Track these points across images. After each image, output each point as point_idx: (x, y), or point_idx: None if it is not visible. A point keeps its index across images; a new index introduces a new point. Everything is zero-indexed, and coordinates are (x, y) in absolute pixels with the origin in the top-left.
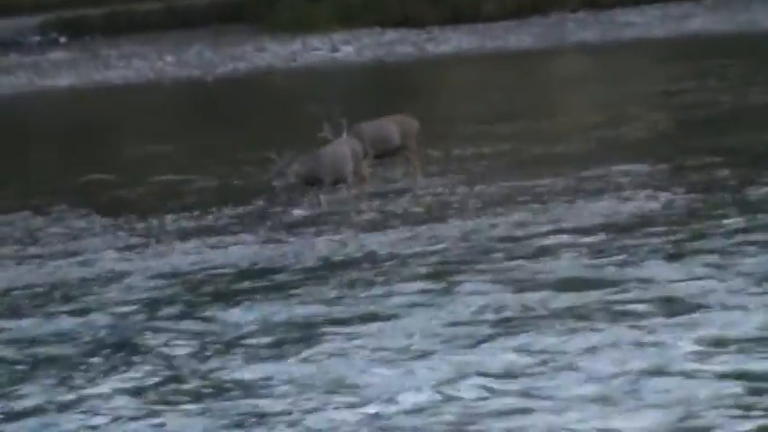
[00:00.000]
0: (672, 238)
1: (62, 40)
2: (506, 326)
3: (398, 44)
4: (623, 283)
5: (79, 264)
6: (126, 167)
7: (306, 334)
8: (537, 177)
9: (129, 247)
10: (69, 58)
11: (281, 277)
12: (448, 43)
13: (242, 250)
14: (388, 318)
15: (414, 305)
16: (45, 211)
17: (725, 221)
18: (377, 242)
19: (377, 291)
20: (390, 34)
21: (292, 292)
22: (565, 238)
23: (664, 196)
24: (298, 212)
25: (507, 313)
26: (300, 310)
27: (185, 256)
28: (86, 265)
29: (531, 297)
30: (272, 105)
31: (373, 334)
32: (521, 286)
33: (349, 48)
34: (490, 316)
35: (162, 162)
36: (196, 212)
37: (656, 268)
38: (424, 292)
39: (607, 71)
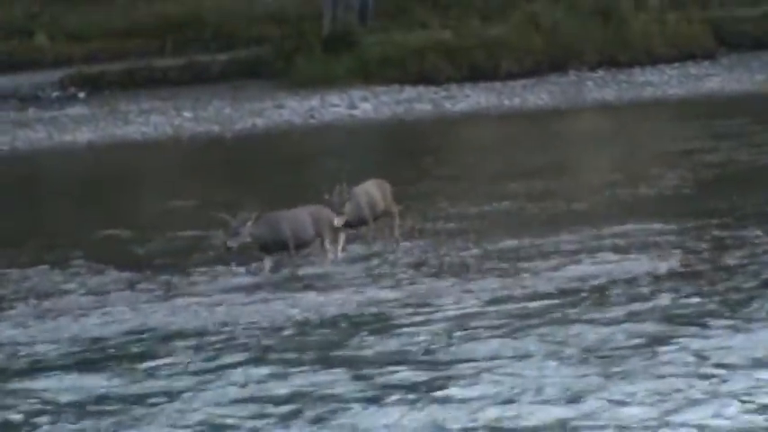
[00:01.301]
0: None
1: (81, 95)
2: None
3: (416, 101)
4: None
5: (98, 320)
6: (143, 223)
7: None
8: (542, 236)
9: (146, 302)
10: (88, 113)
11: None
12: (466, 101)
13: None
14: None
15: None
16: (63, 266)
17: (728, 288)
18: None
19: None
20: (408, 91)
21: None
22: (533, 304)
23: (669, 257)
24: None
25: None
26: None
27: (196, 312)
28: (105, 322)
29: None
30: (289, 162)
31: None
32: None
33: (367, 105)
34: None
35: (179, 218)
36: (217, 269)
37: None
38: None
39: (625, 130)
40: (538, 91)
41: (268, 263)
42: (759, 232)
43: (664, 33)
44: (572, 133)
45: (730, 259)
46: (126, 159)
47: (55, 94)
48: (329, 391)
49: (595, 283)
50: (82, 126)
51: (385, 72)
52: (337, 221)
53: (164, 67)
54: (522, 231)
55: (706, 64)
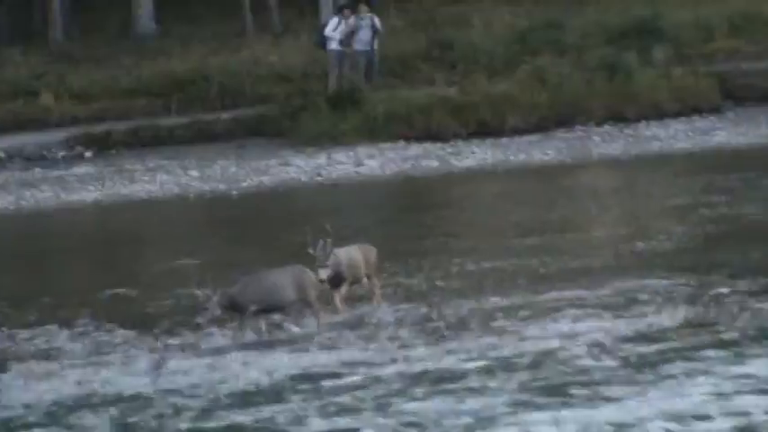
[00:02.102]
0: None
1: (87, 154)
2: None
3: (423, 158)
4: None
5: (102, 380)
6: (150, 282)
7: None
8: (543, 292)
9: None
10: (94, 172)
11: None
12: (472, 157)
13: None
14: None
15: None
16: (70, 325)
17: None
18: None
19: None
20: (415, 148)
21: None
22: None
23: (672, 312)
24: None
25: None
26: None
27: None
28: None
29: None
30: (296, 220)
31: None
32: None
33: (373, 162)
34: None
35: (186, 277)
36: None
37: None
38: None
39: (632, 185)
40: (544, 146)
41: (244, 323)
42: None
43: (670, 87)
44: (578, 188)
45: (732, 313)
46: (132, 218)
47: (61, 153)
48: None
49: (583, 339)
50: (88, 185)
51: (391, 129)
52: (321, 274)
53: (169, 126)
54: (523, 288)
55: (712, 118)
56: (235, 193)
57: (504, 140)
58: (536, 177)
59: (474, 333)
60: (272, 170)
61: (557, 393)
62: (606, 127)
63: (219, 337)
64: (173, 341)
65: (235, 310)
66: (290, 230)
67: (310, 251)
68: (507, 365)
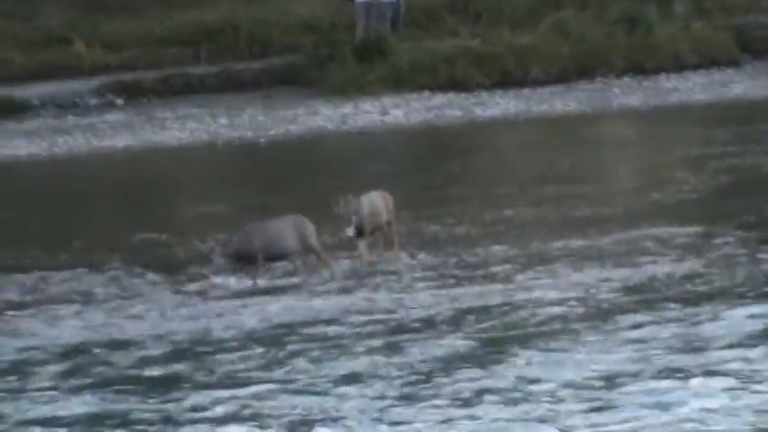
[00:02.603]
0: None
1: (119, 102)
2: None
3: (447, 108)
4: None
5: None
6: (179, 227)
7: None
8: (554, 240)
9: (176, 307)
10: (125, 120)
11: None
12: (495, 107)
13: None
14: None
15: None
16: (101, 269)
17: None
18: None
19: None
20: (439, 98)
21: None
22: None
23: (684, 263)
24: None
25: None
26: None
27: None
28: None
29: None
30: (323, 167)
31: None
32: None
33: (398, 111)
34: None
35: (214, 222)
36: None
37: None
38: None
39: (651, 136)
40: (565, 97)
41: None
42: None
43: (689, 41)
44: (598, 138)
45: (731, 264)
46: (162, 164)
47: (93, 101)
48: None
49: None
50: (119, 132)
51: (416, 79)
52: (348, 231)
53: (199, 75)
54: (535, 236)
55: (730, 71)
56: (263, 140)
57: (527, 91)
58: (557, 127)
59: (476, 281)
60: (300, 119)
61: (524, 338)
62: (626, 79)
63: (233, 284)
64: (193, 287)
65: (239, 260)
66: (316, 177)
67: (336, 210)
68: (489, 311)
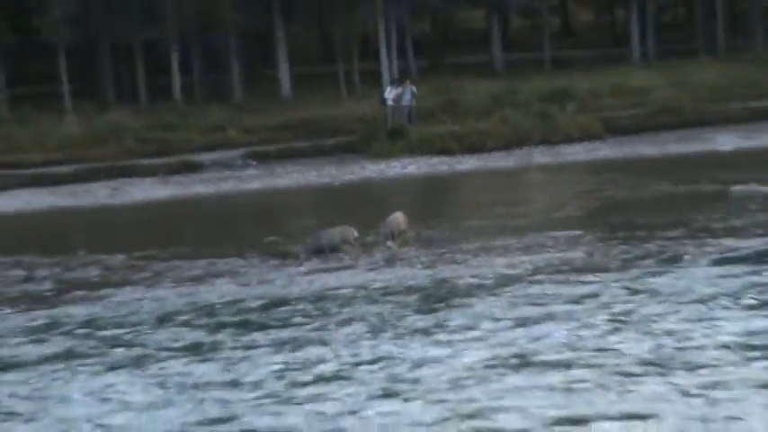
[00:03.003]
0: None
1: (253, 163)
2: None
3: (439, 165)
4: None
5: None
6: (289, 233)
7: None
8: (496, 239)
9: (289, 276)
10: (257, 173)
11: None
12: (466, 164)
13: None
14: None
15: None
16: (244, 256)
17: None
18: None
19: None
20: (435, 159)
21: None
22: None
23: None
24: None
25: None
26: None
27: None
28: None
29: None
30: (369, 199)
31: None
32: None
33: (412, 167)
34: None
35: (309, 230)
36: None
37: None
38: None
39: (555, 180)
40: (506, 159)
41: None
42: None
43: (576, 125)
44: (525, 181)
45: (607, 253)
46: (279, 199)
47: (239, 163)
48: None
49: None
50: (254, 180)
51: (422, 149)
52: (389, 244)
53: (300, 147)
54: (487, 237)
55: (599, 143)
56: (337, 184)
57: (485, 155)
58: (501, 176)
59: (450, 266)
60: (357, 171)
61: (483, 289)
62: (541, 147)
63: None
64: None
65: (314, 251)
66: (367, 204)
67: (380, 238)
68: (445, 282)
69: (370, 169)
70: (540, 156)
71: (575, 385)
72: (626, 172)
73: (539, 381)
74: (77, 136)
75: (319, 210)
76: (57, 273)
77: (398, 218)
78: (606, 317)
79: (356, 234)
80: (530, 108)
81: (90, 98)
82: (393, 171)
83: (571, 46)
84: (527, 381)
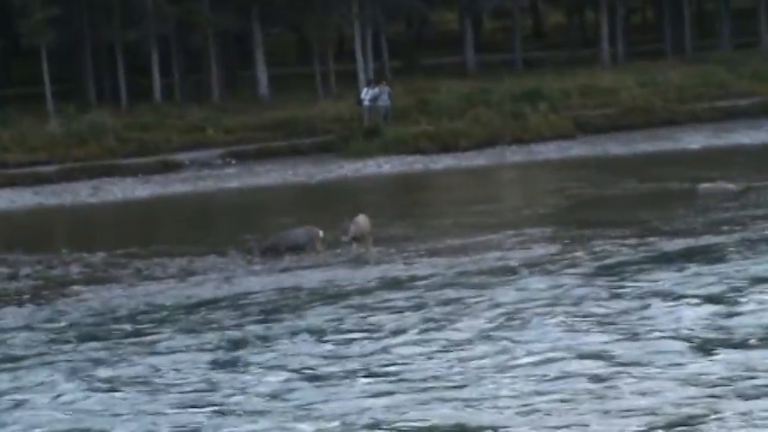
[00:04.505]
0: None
1: (233, 162)
2: None
3: (414, 164)
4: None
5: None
6: (267, 229)
7: None
8: (468, 237)
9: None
10: (236, 172)
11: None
12: (440, 163)
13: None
14: None
15: None
16: (222, 254)
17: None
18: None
19: None
20: (410, 158)
21: None
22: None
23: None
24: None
25: None
26: None
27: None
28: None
29: None
30: (344, 197)
31: None
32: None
33: (387, 165)
34: None
35: (286, 227)
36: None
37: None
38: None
39: (526, 178)
40: (479, 157)
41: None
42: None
43: (547, 125)
44: (498, 179)
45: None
46: (257, 197)
47: (218, 162)
48: None
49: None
50: (233, 179)
51: (397, 148)
52: (344, 239)
53: (277, 147)
54: (460, 234)
55: (570, 141)
56: (313, 182)
57: (458, 154)
58: (473, 174)
59: (411, 260)
60: (334, 170)
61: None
62: (513, 147)
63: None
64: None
65: (266, 250)
66: (342, 201)
67: (341, 225)
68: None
69: (347, 168)
70: (513, 154)
71: None
72: (597, 170)
73: None
74: (59, 136)
75: (296, 208)
76: (39, 270)
77: (360, 220)
78: (563, 317)
79: (321, 234)
80: (502, 108)
81: (72, 99)
82: (369, 170)
83: (542, 47)
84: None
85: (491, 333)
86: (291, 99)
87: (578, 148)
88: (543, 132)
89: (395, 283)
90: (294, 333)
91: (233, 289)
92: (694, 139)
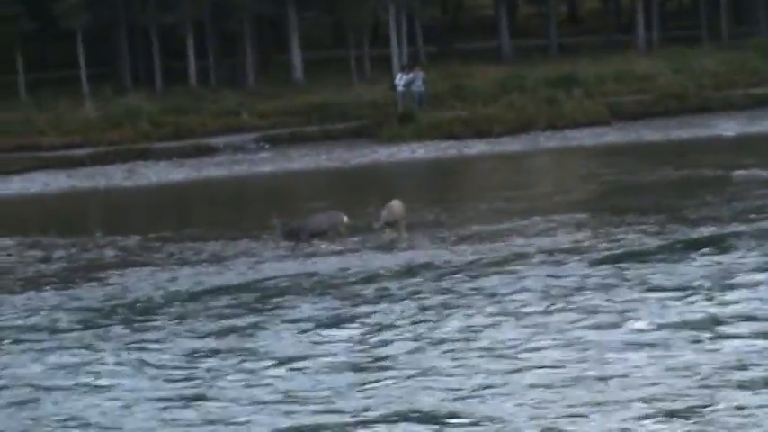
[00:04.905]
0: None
1: (266, 146)
2: None
3: (448, 149)
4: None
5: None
6: (297, 213)
7: None
8: (496, 223)
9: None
10: (270, 156)
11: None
12: (474, 149)
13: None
14: None
15: None
16: (255, 238)
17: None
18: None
19: None
20: (444, 144)
21: None
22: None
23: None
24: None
25: None
26: None
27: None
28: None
29: None
30: (378, 182)
31: None
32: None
33: (421, 151)
34: None
35: (316, 210)
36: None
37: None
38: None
39: (561, 164)
40: (512, 143)
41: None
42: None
43: (582, 111)
44: (532, 165)
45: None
46: (291, 181)
47: (252, 146)
48: None
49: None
50: (266, 163)
51: (431, 134)
52: (376, 224)
53: (311, 132)
54: (487, 220)
55: (605, 128)
56: (347, 167)
57: (492, 139)
58: (507, 160)
59: (439, 246)
60: (366, 155)
61: (492, 265)
62: (547, 132)
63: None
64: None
65: (287, 236)
66: (375, 187)
67: (372, 209)
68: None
69: (380, 153)
70: (547, 140)
71: None
72: (630, 157)
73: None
74: (94, 119)
75: (329, 192)
76: (73, 253)
77: (394, 206)
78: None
79: (345, 219)
80: (537, 93)
81: (107, 83)
82: (402, 155)
83: (577, 33)
84: None
85: (492, 324)
86: (326, 84)
87: (612, 135)
88: (577, 118)
89: (406, 272)
90: (300, 321)
91: (256, 275)
92: (729, 126)
